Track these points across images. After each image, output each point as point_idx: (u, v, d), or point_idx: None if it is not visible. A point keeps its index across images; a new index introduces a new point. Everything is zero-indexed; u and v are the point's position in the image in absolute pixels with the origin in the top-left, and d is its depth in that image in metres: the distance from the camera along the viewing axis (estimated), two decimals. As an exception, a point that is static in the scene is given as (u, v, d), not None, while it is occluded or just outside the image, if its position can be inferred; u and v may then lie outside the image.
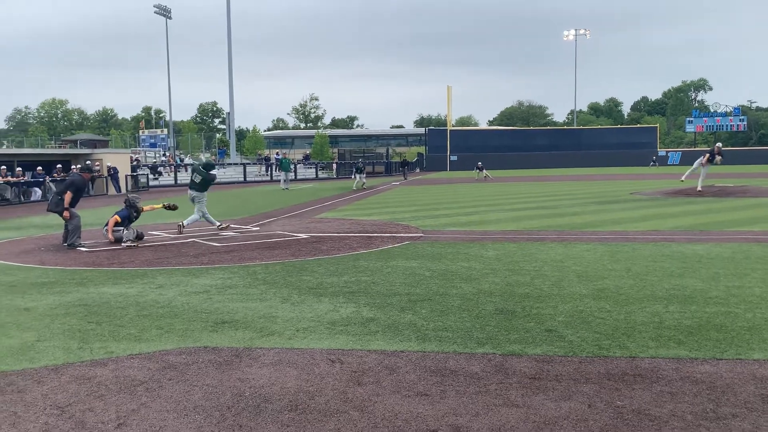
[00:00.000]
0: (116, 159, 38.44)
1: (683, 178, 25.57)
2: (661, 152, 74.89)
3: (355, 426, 3.92)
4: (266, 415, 4.11)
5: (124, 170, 37.27)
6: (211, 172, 15.35)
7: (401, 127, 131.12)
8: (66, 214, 12.54)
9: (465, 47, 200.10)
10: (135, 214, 13.35)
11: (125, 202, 13.61)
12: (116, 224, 12.93)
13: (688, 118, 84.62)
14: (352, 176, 39.25)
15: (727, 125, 79.78)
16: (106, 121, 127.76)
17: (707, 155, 24.59)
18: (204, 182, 14.94)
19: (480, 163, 48.11)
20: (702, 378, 4.61)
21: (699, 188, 23.49)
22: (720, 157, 24.65)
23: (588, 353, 5.21)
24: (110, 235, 12.87)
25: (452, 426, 3.89)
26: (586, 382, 4.58)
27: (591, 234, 12.70)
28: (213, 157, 66.22)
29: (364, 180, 37.08)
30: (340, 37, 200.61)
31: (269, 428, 3.91)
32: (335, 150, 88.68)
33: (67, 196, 12.68)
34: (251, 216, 18.60)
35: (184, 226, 14.49)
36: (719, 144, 26.22)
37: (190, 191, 15.16)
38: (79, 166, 14.28)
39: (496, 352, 5.30)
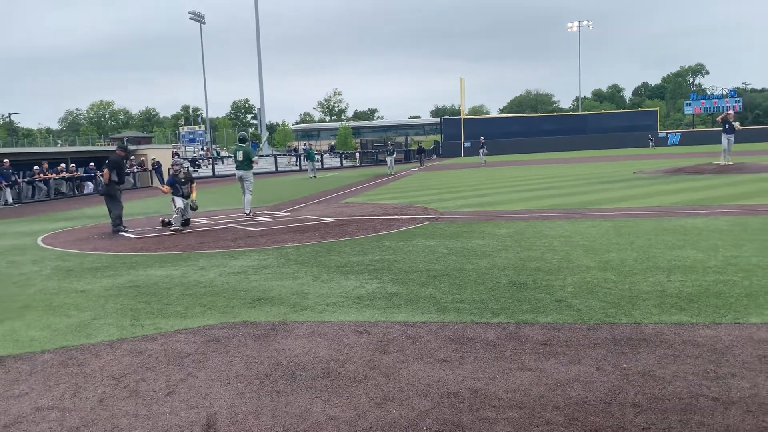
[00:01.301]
0: (159, 154, 38.78)
1: (729, 161, 23.45)
2: (661, 134, 73.70)
3: (381, 390, 3.94)
4: (301, 382, 4.15)
5: (166, 164, 37.57)
6: (248, 144, 15.57)
7: (418, 117, 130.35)
8: (115, 187, 12.99)
9: (476, 41, 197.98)
10: (182, 180, 13.25)
11: (168, 170, 14.06)
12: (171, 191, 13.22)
13: (686, 101, 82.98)
14: (387, 161, 38.90)
15: (723, 107, 78.07)
16: (149, 119, 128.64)
17: (725, 127, 23.58)
18: (246, 157, 14.97)
19: (483, 138, 45.82)
20: (703, 341, 4.56)
21: (722, 162, 22.67)
22: (737, 123, 23.61)
23: (595, 321, 5.17)
24: (162, 188, 14.30)
25: (471, 389, 3.89)
26: (594, 347, 4.56)
27: (596, 211, 12.57)
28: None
29: (393, 166, 37.31)
30: (360, 34, 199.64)
31: (304, 393, 3.95)
32: (358, 140, 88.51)
33: (105, 173, 13.18)
34: (283, 202, 18.68)
35: (248, 213, 14.69)
36: (730, 112, 24.99)
37: (237, 172, 15.30)
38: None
39: (510, 321, 5.29)
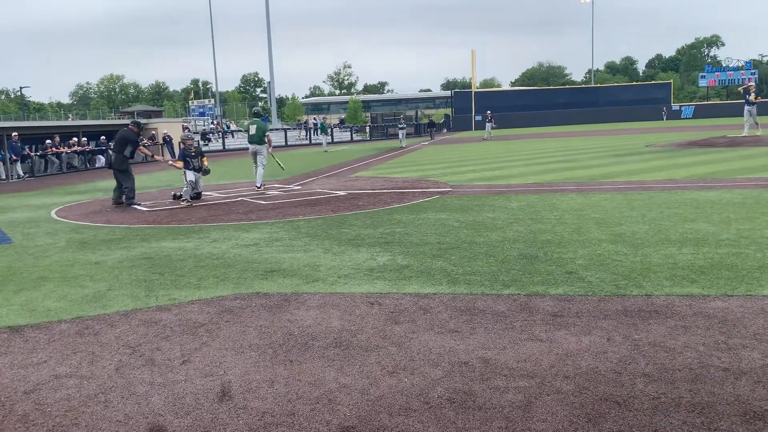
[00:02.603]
0: (170, 127, 38.81)
1: (758, 131, 23.39)
2: (675, 107, 72.78)
3: (393, 359, 3.99)
4: (313, 351, 4.20)
5: (177, 138, 37.62)
6: (262, 119, 15.66)
7: (429, 90, 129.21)
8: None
9: (488, 12, 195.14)
10: (193, 153, 13.29)
11: (179, 144, 14.13)
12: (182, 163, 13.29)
13: (701, 74, 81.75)
14: (398, 134, 39.61)
15: (739, 79, 76.84)
16: (159, 93, 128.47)
17: (746, 98, 23.76)
18: (260, 131, 14.97)
19: (489, 112, 45.16)
20: (714, 313, 4.56)
21: (744, 134, 22.84)
22: (752, 96, 23.72)
23: (606, 293, 5.18)
24: (175, 164, 14.11)
25: (481, 359, 3.93)
26: (604, 318, 4.57)
27: (608, 184, 12.50)
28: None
29: (404, 139, 37.80)
30: (370, 6, 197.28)
31: (316, 362, 4.00)
32: (368, 114, 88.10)
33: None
34: (293, 176, 18.69)
35: (259, 186, 14.69)
36: (751, 83, 25.18)
37: (251, 146, 15.28)
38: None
39: (521, 292, 5.31)
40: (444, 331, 4.46)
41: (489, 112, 45.70)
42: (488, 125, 42.85)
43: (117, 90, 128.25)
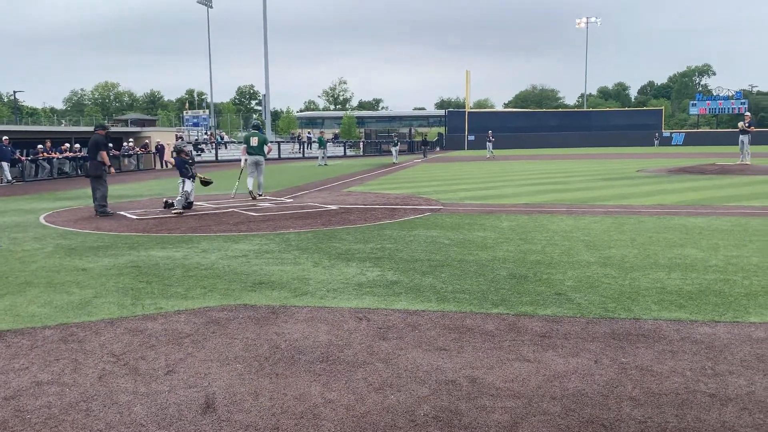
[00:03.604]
0: (163, 137, 38.75)
1: (748, 161, 24.33)
2: (666, 133, 73.49)
3: (380, 376, 3.95)
4: (300, 365, 4.16)
5: (169, 147, 37.58)
6: (262, 132, 16.19)
7: (423, 109, 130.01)
8: (113, 170, 12.91)
9: (483, 34, 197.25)
10: (188, 159, 13.43)
11: (174, 150, 14.07)
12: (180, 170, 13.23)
13: (691, 101, 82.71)
14: (391, 151, 41.15)
15: (728, 108, 77.89)
16: (153, 102, 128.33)
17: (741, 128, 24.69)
18: (261, 143, 15.61)
19: (491, 132, 45.99)
20: (701, 339, 4.56)
21: (740, 162, 23.55)
22: (742, 123, 24.78)
23: (595, 315, 5.18)
24: (171, 160, 14.18)
25: (469, 377, 3.90)
26: (592, 340, 4.56)
27: (598, 207, 12.56)
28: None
29: (397, 156, 38.66)
30: (367, 24, 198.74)
31: (303, 377, 3.96)
32: (362, 130, 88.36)
33: (104, 155, 12.96)
34: (285, 189, 18.67)
35: (261, 194, 15.49)
36: (747, 113, 26.34)
37: (252, 157, 15.72)
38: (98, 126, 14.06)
39: (510, 312, 5.29)
40: (432, 349, 4.43)
41: (490, 132, 46.22)
42: (489, 144, 43.48)
43: (111, 97, 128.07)
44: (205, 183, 14.33)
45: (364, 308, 5.50)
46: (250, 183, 15.54)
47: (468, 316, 5.20)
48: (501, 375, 3.94)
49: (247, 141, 16.06)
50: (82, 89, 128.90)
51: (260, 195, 15.59)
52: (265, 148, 15.85)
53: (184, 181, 13.03)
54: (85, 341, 4.74)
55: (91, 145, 13.13)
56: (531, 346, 4.45)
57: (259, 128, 16.62)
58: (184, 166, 13.19)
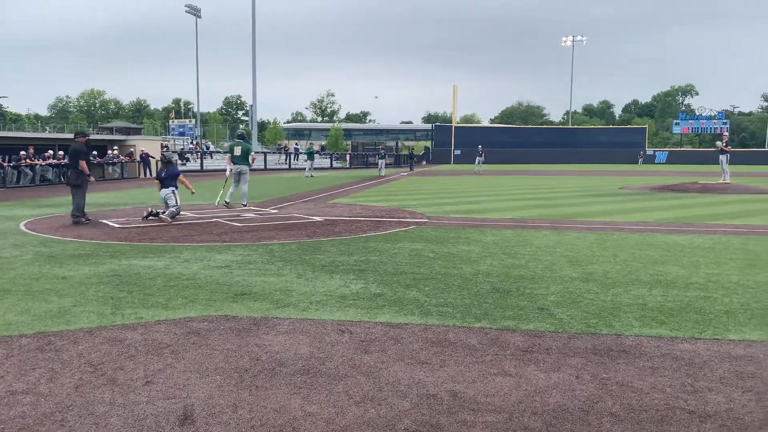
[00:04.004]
0: (148, 145, 38.54)
1: (728, 179, 24.74)
2: (649, 151, 74.37)
3: (361, 389, 3.93)
4: (280, 378, 4.12)
5: (156, 156, 37.37)
6: (246, 141, 16.49)
7: (410, 122, 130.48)
8: (93, 179, 12.70)
9: (471, 50, 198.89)
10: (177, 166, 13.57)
11: (163, 159, 13.96)
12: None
13: (675, 121, 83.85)
14: (378, 163, 42.29)
15: (711, 128, 79.07)
16: (139, 110, 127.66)
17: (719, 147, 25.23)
18: (245, 152, 15.78)
19: (480, 147, 46.57)
20: (681, 355, 4.59)
21: (723, 181, 23.93)
22: (720, 143, 25.57)
23: (576, 330, 5.19)
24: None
25: (450, 392, 3.89)
26: (574, 355, 4.57)
27: (582, 223, 12.64)
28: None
29: (383, 168, 39.32)
30: (355, 38, 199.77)
31: (283, 389, 3.93)
32: (349, 142, 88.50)
33: (83, 164, 12.76)
34: (270, 200, 18.61)
35: (244, 205, 15.57)
36: (725, 133, 27.12)
37: (236, 166, 15.91)
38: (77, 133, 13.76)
39: (492, 326, 5.29)
40: (414, 363, 4.42)
41: (480, 147, 46.63)
42: (478, 159, 43.94)
43: (97, 105, 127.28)
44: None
45: (347, 321, 5.48)
46: (228, 193, 15.68)
47: (451, 330, 5.19)
48: (482, 389, 3.93)
49: (231, 150, 16.27)
50: (67, 96, 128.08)
51: (245, 205, 15.67)
52: (249, 158, 16.03)
53: (174, 192, 12.98)
54: (62, 350, 4.67)
55: (71, 153, 12.98)
56: (513, 361, 4.45)
57: (243, 138, 16.83)
58: (179, 176, 13.23)
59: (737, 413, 3.59)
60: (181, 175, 13.52)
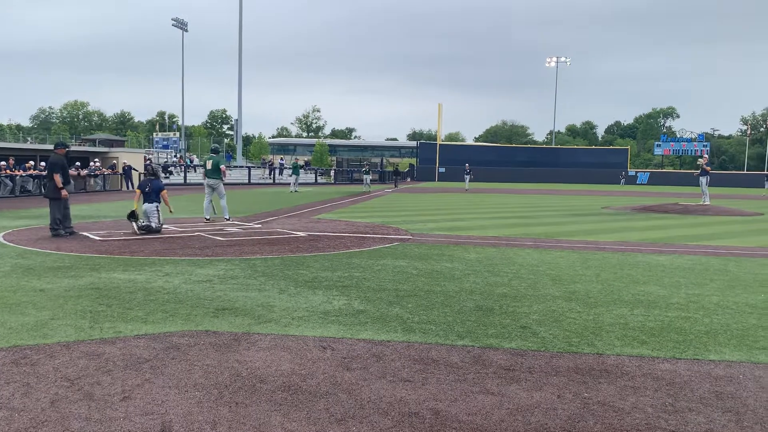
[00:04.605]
0: (131, 158, 38.28)
1: (707, 201, 25.14)
2: (631, 172, 75.27)
3: (342, 407, 3.89)
4: (261, 394, 4.08)
5: (138, 168, 37.11)
6: (218, 155, 16.56)
7: (395, 139, 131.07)
8: (64, 193, 12.40)
9: (456, 69, 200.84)
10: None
11: (148, 171, 13.81)
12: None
13: (656, 142, 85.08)
14: (364, 179, 43.24)
15: (691, 150, 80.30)
16: (123, 123, 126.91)
17: (698, 171, 25.81)
18: (216, 166, 15.74)
19: (468, 165, 47.27)
20: (662, 375, 4.61)
21: (703, 202, 24.28)
22: (702, 161, 26.22)
23: (558, 349, 5.20)
24: (169, 207, 13.55)
25: (432, 410, 3.87)
26: (556, 374, 4.57)
27: (565, 242, 12.72)
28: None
29: (369, 184, 40.26)
30: (342, 54, 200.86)
31: (263, 406, 3.88)
32: (334, 158, 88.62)
33: (57, 178, 12.53)
34: (254, 214, 18.52)
35: (227, 219, 15.58)
36: (704, 155, 27.74)
37: (207, 180, 15.92)
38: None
39: (475, 344, 5.29)
40: (396, 380, 4.39)
41: (467, 165, 47.15)
42: (467, 177, 44.57)
43: (80, 117, 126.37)
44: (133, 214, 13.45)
45: (329, 337, 5.44)
46: (206, 209, 15.73)
47: (433, 348, 5.18)
48: (464, 408, 3.91)
49: (204, 164, 16.36)
50: (50, 107, 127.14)
51: (227, 219, 15.68)
52: (220, 171, 16.02)
53: (158, 208, 12.87)
54: (38, 364, 4.58)
55: (49, 165, 12.81)
56: (495, 379, 4.44)
57: (216, 151, 17.05)
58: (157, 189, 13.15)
59: (717, 434, 3.61)
60: (164, 191, 13.41)
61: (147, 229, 12.71)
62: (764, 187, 48.11)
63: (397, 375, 4.50)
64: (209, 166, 15.99)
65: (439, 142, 78.78)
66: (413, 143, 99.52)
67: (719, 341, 5.51)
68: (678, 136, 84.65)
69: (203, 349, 5.03)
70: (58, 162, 12.68)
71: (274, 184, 50.68)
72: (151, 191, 13.13)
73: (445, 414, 3.81)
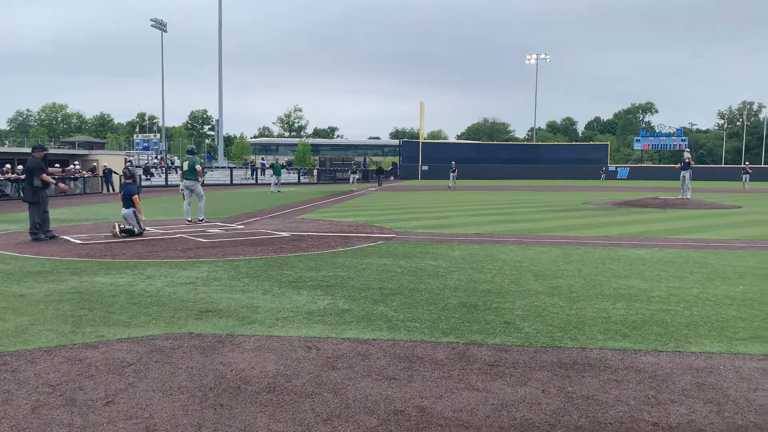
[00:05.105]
0: (111, 160, 37.89)
1: (689, 195, 25.28)
2: (611, 167, 75.93)
3: (328, 406, 3.89)
4: (246, 396, 4.06)
5: (118, 171, 36.73)
6: (195, 156, 16.27)
7: (378, 138, 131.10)
8: (62, 186, 12.35)
9: (438, 68, 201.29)
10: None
11: (126, 175, 13.55)
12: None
13: (635, 137, 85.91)
14: (350, 178, 44.28)
15: (670, 144, 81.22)
16: (103, 125, 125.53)
17: (680, 164, 26.07)
18: (191, 167, 15.69)
19: (454, 162, 47.56)
20: (645, 368, 4.66)
21: (681, 196, 24.44)
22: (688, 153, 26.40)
23: (542, 344, 5.23)
24: (142, 216, 13.05)
25: (418, 407, 3.87)
26: (540, 369, 4.60)
27: (547, 238, 12.80)
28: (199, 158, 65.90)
29: (355, 183, 41.04)
30: (324, 53, 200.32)
31: (248, 408, 3.86)
32: (317, 158, 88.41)
33: (45, 177, 12.46)
34: (236, 215, 18.42)
35: (200, 220, 15.55)
36: (686, 149, 28.03)
37: (184, 182, 15.83)
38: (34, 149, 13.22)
39: (459, 341, 5.30)
40: (381, 378, 4.39)
41: (453, 162, 47.39)
42: (452, 175, 44.80)
43: (59, 119, 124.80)
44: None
45: (314, 337, 5.43)
46: (186, 211, 15.62)
47: (418, 345, 5.18)
48: (450, 404, 3.92)
49: (181, 166, 16.34)
50: (28, 110, 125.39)
51: (200, 220, 15.62)
52: (196, 172, 15.93)
53: (135, 213, 12.69)
54: (18, 371, 4.51)
55: (26, 170, 12.64)
56: (480, 375, 4.46)
57: (192, 152, 16.71)
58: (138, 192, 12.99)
59: (699, 424, 3.65)
60: (135, 196, 12.94)
61: (129, 233, 12.57)
62: (741, 180, 48.73)
63: (382, 373, 4.50)
64: (185, 167, 15.95)
65: (421, 140, 78.90)
66: (396, 142, 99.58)
67: (700, 333, 5.58)
68: (657, 131, 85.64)
69: (187, 351, 4.99)
70: (36, 165, 12.52)
71: (256, 184, 50.42)
72: (124, 197, 12.94)
73: (430, 411, 3.81)
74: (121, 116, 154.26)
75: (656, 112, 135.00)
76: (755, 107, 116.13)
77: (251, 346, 5.16)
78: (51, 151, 46.85)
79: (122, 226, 12.75)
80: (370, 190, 40.77)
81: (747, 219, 17.89)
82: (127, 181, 13.42)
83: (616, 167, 77.16)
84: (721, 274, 8.54)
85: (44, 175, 12.41)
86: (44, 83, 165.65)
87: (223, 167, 56.45)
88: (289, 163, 71.67)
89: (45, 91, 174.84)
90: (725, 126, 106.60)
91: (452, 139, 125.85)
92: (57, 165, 31.38)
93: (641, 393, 4.14)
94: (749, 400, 4.03)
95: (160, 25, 61.37)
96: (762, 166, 78.28)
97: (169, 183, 43.43)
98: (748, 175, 48.27)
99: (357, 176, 44.94)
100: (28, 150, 45.45)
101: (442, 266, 9.06)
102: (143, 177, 42.53)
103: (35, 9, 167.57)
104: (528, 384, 4.29)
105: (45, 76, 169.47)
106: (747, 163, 59.12)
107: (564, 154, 79.93)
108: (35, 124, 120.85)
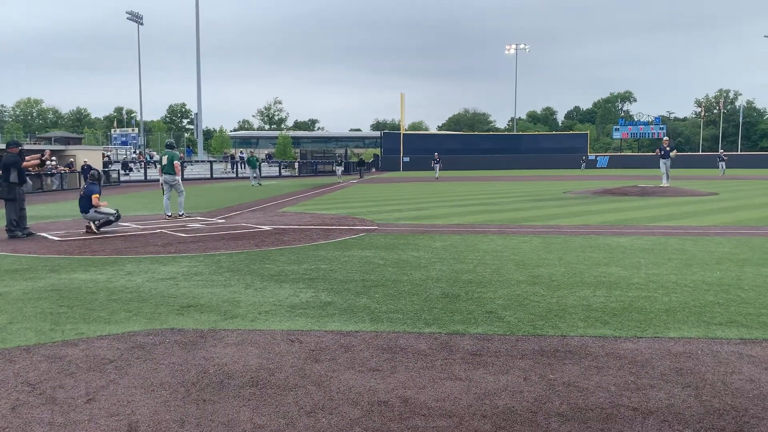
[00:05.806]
0: (89, 155, 37.40)
1: (667, 183, 25.29)
2: (591, 156, 76.50)
3: (312, 399, 3.89)
4: (229, 390, 4.04)
5: (96, 166, 36.27)
6: (174, 150, 16.17)
7: (359, 130, 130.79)
8: (35, 162, 12.36)
9: (418, 58, 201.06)
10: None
11: (91, 177, 13.32)
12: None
13: (615, 126, 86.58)
14: (334, 169, 47.09)
15: (648, 133, 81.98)
16: (79, 120, 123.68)
17: (658, 150, 26.15)
18: (170, 161, 15.62)
19: (437, 154, 47.73)
20: (624, 354, 4.72)
21: (662, 185, 24.53)
22: (673, 152, 26.38)
23: (524, 332, 5.28)
24: (103, 209, 12.70)
25: (401, 398, 3.89)
26: (521, 357, 4.64)
27: (527, 227, 12.89)
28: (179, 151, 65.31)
29: (341, 175, 44.24)
30: (303, 45, 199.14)
31: (231, 402, 3.85)
32: (297, 150, 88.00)
33: (26, 164, 12.41)
34: (217, 209, 18.30)
35: (180, 215, 15.48)
36: (666, 138, 27.88)
37: (164, 177, 15.78)
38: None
39: (442, 331, 5.33)
40: (365, 370, 4.40)
41: (437, 153, 47.49)
42: (436, 166, 45.03)
43: (34, 115, 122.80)
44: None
45: (297, 330, 5.42)
46: (166, 206, 15.52)
47: (401, 336, 5.20)
48: (433, 394, 3.95)
49: (160, 161, 16.30)
50: (2, 105, 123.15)
51: (180, 215, 15.56)
52: (175, 167, 15.81)
53: (95, 211, 12.50)
54: (-3, 370, 4.45)
55: (2, 166, 12.45)
56: (462, 365, 4.49)
57: (171, 146, 16.61)
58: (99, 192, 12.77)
59: (677, 408, 3.71)
60: (93, 195, 12.56)
61: (107, 224, 12.45)
62: (718, 167, 49.40)
63: (365, 365, 4.51)
64: (164, 161, 15.88)
65: (402, 131, 78.82)
66: (377, 133, 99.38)
67: (678, 319, 5.66)
68: (635, 119, 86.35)
69: (169, 347, 4.97)
70: (11, 161, 12.34)
71: (236, 178, 50.10)
72: (82, 197, 12.68)
73: (414, 401, 3.83)
74: (99, 111, 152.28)
75: (635, 100, 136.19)
76: (731, 95, 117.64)
77: (233, 340, 5.14)
78: (27, 147, 46.15)
79: (97, 222, 12.60)
80: (352, 182, 40.71)
81: (723, 206, 18.16)
82: (92, 181, 13.12)
83: (596, 156, 77.73)
84: (698, 260, 8.67)
85: (26, 162, 12.43)
86: (18, 78, 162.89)
87: (203, 161, 55.99)
88: (269, 156, 71.32)
89: (19, 86, 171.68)
90: (702, 114, 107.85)
91: (433, 130, 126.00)
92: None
93: (621, 379, 4.19)
94: (726, 384, 4.11)
95: (136, 18, 60.58)
96: (738, 153, 79.45)
97: (148, 178, 42.99)
98: (723, 162, 48.97)
99: (342, 168, 46.09)
100: (2, 146, 44.69)
101: (424, 257, 9.09)
102: (122, 172, 42.09)
103: (5, 2, 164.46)
104: (510, 372, 4.33)
105: (18, 71, 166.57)
106: (722, 150, 59.94)
107: (545, 144, 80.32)
108: (10, 119, 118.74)
